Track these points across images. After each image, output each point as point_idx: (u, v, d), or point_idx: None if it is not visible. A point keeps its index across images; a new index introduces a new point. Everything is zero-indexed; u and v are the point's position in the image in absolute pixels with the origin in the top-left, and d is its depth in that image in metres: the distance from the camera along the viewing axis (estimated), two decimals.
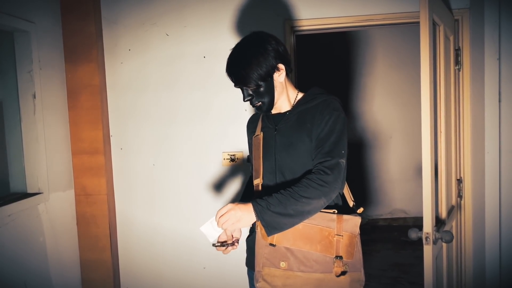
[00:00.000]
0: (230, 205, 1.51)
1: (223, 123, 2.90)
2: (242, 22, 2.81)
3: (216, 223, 1.52)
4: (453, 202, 2.56)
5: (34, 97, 2.57)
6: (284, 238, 1.57)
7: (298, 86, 1.80)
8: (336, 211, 1.60)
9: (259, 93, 1.65)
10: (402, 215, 5.50)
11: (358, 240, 1.63)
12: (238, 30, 2.81)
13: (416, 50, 4.94)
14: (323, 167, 1.54)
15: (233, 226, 1.50)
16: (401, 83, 5.35)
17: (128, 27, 2.92)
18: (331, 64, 5.38)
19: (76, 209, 2.93)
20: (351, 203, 1.74)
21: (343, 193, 1.74)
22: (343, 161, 1.58)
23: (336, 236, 1.57)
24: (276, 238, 1.57)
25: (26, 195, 2.56)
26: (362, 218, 1.64)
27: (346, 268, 1.58)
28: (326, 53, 5.37)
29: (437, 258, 2.03)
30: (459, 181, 2.68)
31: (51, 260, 2.69)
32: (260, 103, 1.67)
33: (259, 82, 1.62)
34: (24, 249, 2.48)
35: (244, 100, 1.68)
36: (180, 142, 2.95)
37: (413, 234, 1.84)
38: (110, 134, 2.99)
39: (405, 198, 5.45)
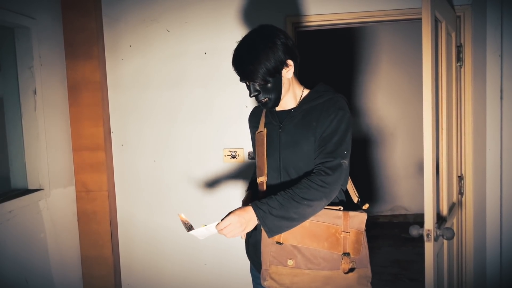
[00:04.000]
0: (231, 218, 1.45)
1: (224, 119, 2.89)
2: (243, 18, 2.80)
3: (213, 228, 1.48)
4: (454, 199, 2.56)
5: (35, 93, 2.57)
6: (291, 236, 1.56)
7: (302, 83, 1.78)
8: (342, 208, 1.59)
9: (266, 89, 1.60)
10: (403, 212, 5.50)
11: (364, 236, 1.63)
12: (239, 26, 2.80)
13: (417, 46, 4.93)
14: (325, 167, 1.53)
15: (239, 234, 1.48)
16: (402, 80, 5.34)
17: (128, 23, 2.91)
18: (333, 60, 5.36)
19: (77, 206, 2.93)
20: (355, 199, 1.73)
21: (346, 189, 1.73)
22: (345, 162, 1.56)
23: (343, 233, 1.57)
24: (282, 236, 1.56)
25: (27, 191, 2.57)
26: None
27: (353, 264, 1.58)
28: (328, 49, 5.35)
29: (438, 255, 2.03)
30: (460, 178, 2.67)
31: (52, 257, 2.69)
32: (266, 99, 1.62)
33: (267, 78, 1.56)
34: (25, 246, 2.48)
35: (250, 96, 1.62)
36: (181, 138, 2.95)
37: (414, 231, 1.84)
38: (111, 131, 2.98)
39: (406, 195, 5.45)
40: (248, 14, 2.80)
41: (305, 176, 1.56)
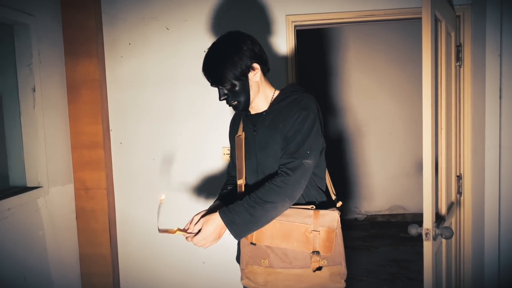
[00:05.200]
0: (203, 234, 1.57)
1: (223, 118, 2.89)
2: (243, 16, 2.80)
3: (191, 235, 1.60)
4: (453, 198, 2.56)
5: (34, 91, 2.56)
6: (263, 237, 1.64)
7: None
8: (314, 207, 1.64)
9: (234, 92, 1.67)
10: (401, 211, 5.51)
11: (337, 234, 1.66)
12: (240, 24, 2.78)
13: (416, 46, 4.93)
14: (286, 168, 1.58)
15: (214, 242, 1.59)
16: (401, 79, 5.34)
17: (128, 21, 2.90)
18: (330, 60, 5.37)
19: (76, 203, 2.93)
20: (333, 197, 1.78)
21: (326, 189, 1.77)
22: (308, 162, 1.59)
23: (312, 232, 1.61)
24: (255, 237, 1.64)
25: (25, 189, 2.56)
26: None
27: (324, 262, 1.62)
28: (325, 48, 5.35)
29: (436, 254, 2.03)
30: (459, 177, 2.68)
31: (51, 254, 2.69)
32: (236, 102, 1.69)
33: (234, 82, 1.64)
34: (24, 243, 2.48)
35: (220, 99, 1.70)
36: (180, 136, 2.95)
37: (413, 230, 1.84)
38: (110, 128, 2.98)
39: (403, 194, 5.45)
40: (248, 13, 2.79)
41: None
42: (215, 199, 2.90)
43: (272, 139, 1.66)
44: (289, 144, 1.60)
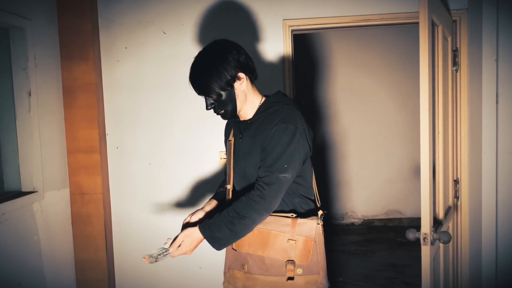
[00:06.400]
0: (184, 249, 1.61)
1: (220, 122, 2.86)
2: (240, 20, 2.80)
3: (169, 251, 1.62)
4: (450, 202, 2.56)
5: (29, 95, 2.55)
6: (242, 244, 1.67)
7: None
8: (294, 215, 1.64)
9: (221, 101, 1.68)
10: (398, 216, 5.50)
11: (316, 243, 1.64)
12: (236, 29, 2.79)
13: (413, 49, 4.94)
14: (262, 182, 1.58)
15: (192, 251, 1.64)
16: (399, 83, 5.35)
17: (124, 25, 2.90)
18: (329, 63, 5.38)
19: (71, 208, 2.91)
20: (318, 205, 1.78)
21: (314, 198, 1.77)
22: (285, 175, 1.58)
23: (289, 240, 1.61)
24: (235, 243, 1.67)
25: (20, 193, 2.54)
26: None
27: (299, 271, 1.63)
28: (319, 51, 5.36)
29: (434, 258, 2.03)
30: (456, 181, 2.68)
31: (46, 260, 2.67)
32: (223, 111, 1.71)
33: (220, 92, 1.65)
34: (18, 248, 2.46)
35: (206, 109, 1.72)
36: (176, 141, 2.94)
37: (410, 235, 1.83)
38: (106, 133, 2.97)
39: (400, 198, 5.45)
40: (245, 17, 2.79)
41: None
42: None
43: (253, 149, 1.66)
44: (267, 157, 1.59)
